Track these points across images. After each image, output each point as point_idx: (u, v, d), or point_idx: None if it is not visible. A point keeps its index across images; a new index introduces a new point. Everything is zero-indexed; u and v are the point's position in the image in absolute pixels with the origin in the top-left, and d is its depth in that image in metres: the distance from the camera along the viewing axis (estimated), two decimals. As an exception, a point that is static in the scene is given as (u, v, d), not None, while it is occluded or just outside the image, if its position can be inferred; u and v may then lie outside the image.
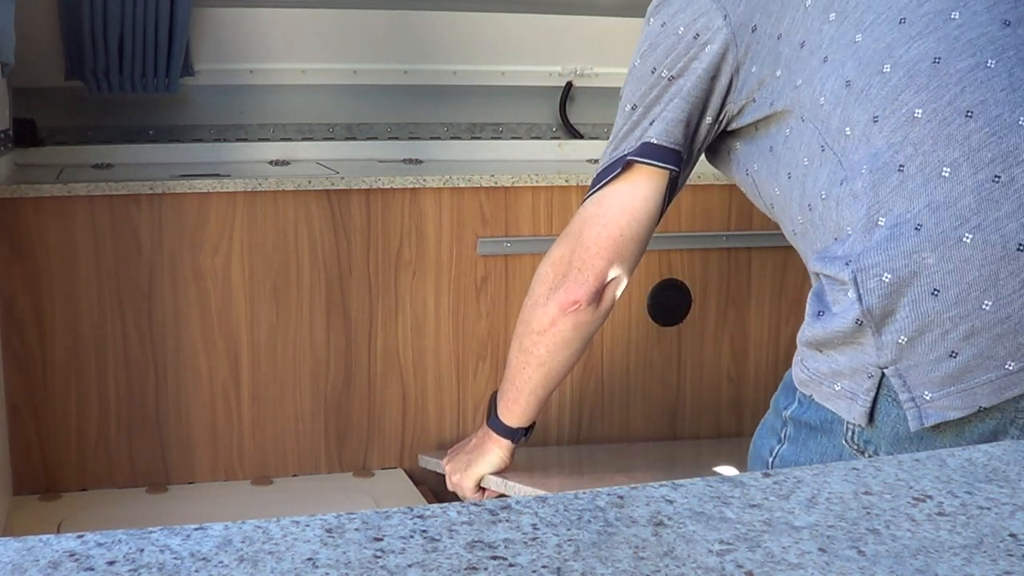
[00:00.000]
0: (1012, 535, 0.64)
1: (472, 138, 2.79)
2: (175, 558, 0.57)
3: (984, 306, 1.07)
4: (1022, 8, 1.15)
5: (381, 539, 0.60)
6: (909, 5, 1.17)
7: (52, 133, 2.48)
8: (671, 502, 0.67)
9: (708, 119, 1.36)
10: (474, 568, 0.57)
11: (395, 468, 2.26)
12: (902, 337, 1.10)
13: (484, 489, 1.75)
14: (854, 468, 0.74)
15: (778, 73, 1.27)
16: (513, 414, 1.67)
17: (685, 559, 0.59)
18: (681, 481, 0.70)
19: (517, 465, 1.77)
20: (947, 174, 1.09)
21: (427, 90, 2.76)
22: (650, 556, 0.59)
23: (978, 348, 1.08)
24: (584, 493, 0.68)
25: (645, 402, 2.38)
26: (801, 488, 0.70)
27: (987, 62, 1.11)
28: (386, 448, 2.26)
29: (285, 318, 2.15)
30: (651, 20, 1.40)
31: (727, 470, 2.09)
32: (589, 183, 1.46)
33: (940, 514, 0.66)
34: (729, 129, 1.38)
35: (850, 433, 1.17)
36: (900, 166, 1.11)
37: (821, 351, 1.18)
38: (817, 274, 1.20)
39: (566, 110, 2.86)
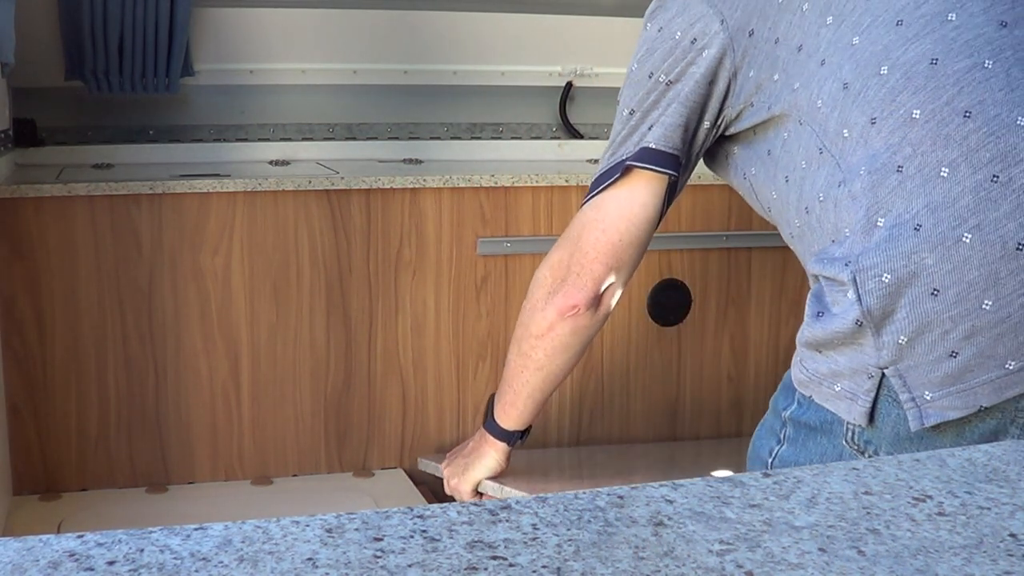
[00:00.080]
0: (1012, 535, 0.64)
1: (472, 138, 2.79)
2: (175, 558, 0.57)
3: (984, 306, 1.07)
4: (1019, 9, 1.16)
5: (381, 539, 0.60)
6: (906, 7, 1.17)
7: (52, 133, 2.48)
8: (671, 502, 0.67)
9: (706, 124, 1.37)
10: (474, 568, 0.57)
11: (395, 468, 2.26)
12: (902, 337, 1.10)
13: (482, 494, 1.75)
14: (854, 468, 0.74)
15: (776, 77, 1.27)
16: (510, 417, 1.67)
17: (685, 559, 0.59)
18: (681, 481, 0.70)
19: (516, 468, 1.77)
20: (946, 174, 1.09)
21: (427, 90, 2.76)
22: (650, 556, 0.59)
23: (978, 348, 1.08)
24: (584, 493, 0.68)
25: (645, 402, 2.38)
26: (801, 488, 0.70)
27: (984, 63, 1.12)
28: (386, 448, 2.26)
29: (285, 318, 2.15)
30: (648, 25, 1.40)
31: (724, 475, 2.09)
32: (589, 184, 1.46)
33: (940, 514, 0.66)
34: (727, 134, 1.38)
35: (850, 433, 1.17)
36: (898, 167, 1.11)
37: (821, 352, 1.18)
38: (816, 276, 1.20)
39: (566, 110, 2.86)
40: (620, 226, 1.43)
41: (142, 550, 0.58)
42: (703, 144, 1.40)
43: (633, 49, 1.42)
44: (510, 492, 1.72)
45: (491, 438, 1.71)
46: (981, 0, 1.16)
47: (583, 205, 1.47)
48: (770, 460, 1.27)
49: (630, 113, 1.40)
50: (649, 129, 1.38)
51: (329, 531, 0.61)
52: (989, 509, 0.67)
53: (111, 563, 0.57)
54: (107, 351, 2.06)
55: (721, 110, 1.35)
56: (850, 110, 1.16)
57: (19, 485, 2.05)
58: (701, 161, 1.46)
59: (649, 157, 1.38)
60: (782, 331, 2.41)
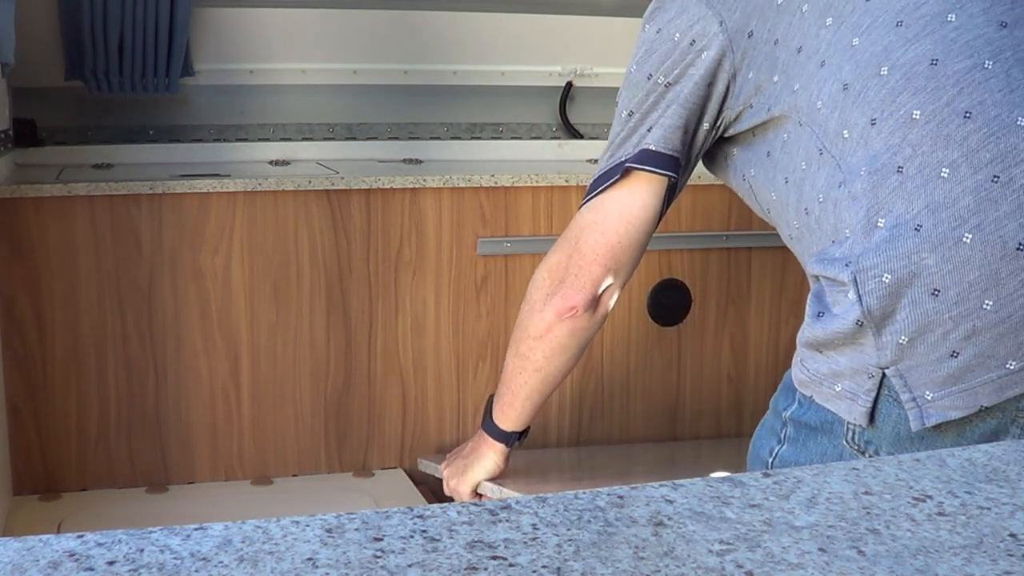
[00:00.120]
0: (1012, 535, 0.64)
1: (472, 138, 2.79)
2: (175, 558, 0.57)
3: (985, 306, 1.07)
4: (1018, 10, 1.16)
5: (381, 539, 0.60)
6: (906, 8, 1.17)
7: (52, 133, 2.48)
8: (671, 502, 0.67)
9: (705, 125, 1.37)
10: (474, 568, 0.57)
11: (395, 468, 2.26)
12: (903, 337, 1.10)
13: (481, 496, 1.75)
14: (854, 468, 0.74)
15: (775, 78, 1.27)
16: (508, 418, 1.67)
17: (685, 559, 0.59)
18: (681, 481, 0.70)
19: (516, 469, 1.77)
20: (946, 175, 1.09)
21: (427, 90, 2.76)
22: (650, 556, 0.59)
23: (979, 348, 1.08)
24: (584, 493, 0.68)
25: (645, 402, 2.38)
26: (801, 488, 0.70)
27: (984, 63, 1.12)
28: (386, 448, 2.26)
29: (285, 318, 2.15)
30: (646, 27, 1.40)
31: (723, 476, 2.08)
32: (588, 184, 1.46)
33: (940, 514, 0.66)
34: (726, 135, 1.38)
35: (851, 434, 1.17)
36: (899, 167, 1.11)
37: (821, 352, 1.18)
38: (816, 276, 1.20)
39: (566, 110, 2.86)
40: (619, 228, 1.43)
41: (142, 550, 0.58)
42: (702, 145, 1.40)
43: (633, 49, 1.42)
44: (509, 494, 1.72)
45: (489, 439, 1.71)
46: (981, 1, 1.16)
47: (581, 207, 1.47)
48: (770, 460, 1.27)
49: (629, 114, 1.40)
50: (648, 131, 1.38)
51: (329, 531, 0.61)
52: (989, 509, 0.67)
53: (111, 563, 0.57)
54: (107, 351, 2.06)
55: (720, 111, 1.35)
56: (850, 111, 1.16)
57: (19, 485, 2.05)
58: (701, 162, 1.46)
59: (648, 159, 1.38)
60: (782, 331, 2.41)
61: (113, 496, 2.07)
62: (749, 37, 1.29)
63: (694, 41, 1.33)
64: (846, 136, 1.16)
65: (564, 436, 2.34)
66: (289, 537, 0.60)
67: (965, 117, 1.10)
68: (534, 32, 2.78)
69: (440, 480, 1.86)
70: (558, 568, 0.57)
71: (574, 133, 2.85)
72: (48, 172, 2.20)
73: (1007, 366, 1.08)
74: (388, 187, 2.17)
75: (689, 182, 1.47)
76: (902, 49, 1.15)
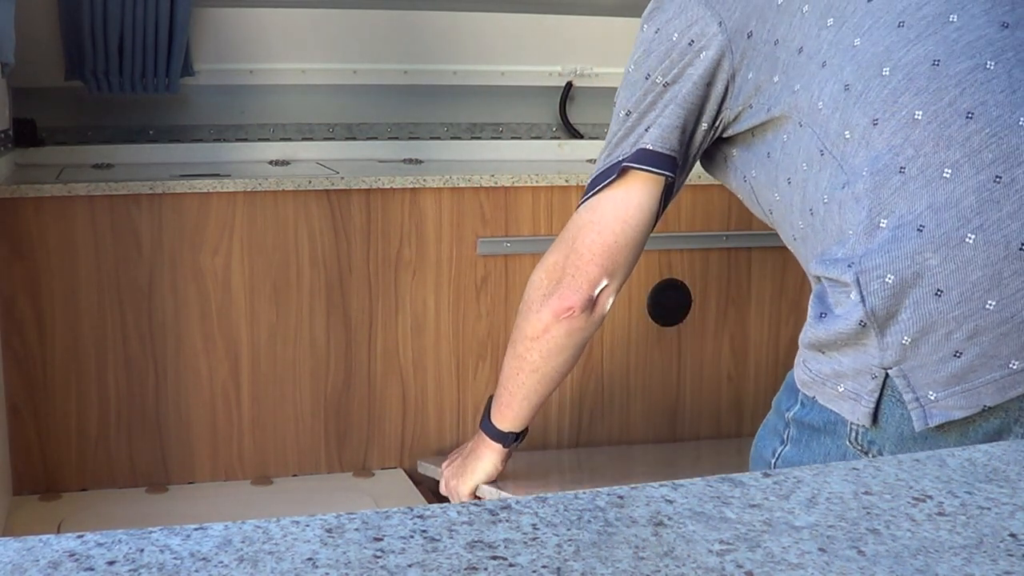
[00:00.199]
0: (1012, 535, 0.64)
1: (472, 138, 2.79)
2: (175, 558, 0.57)
3: (988, 306, 1.07)
4: (1020, 11, 1.16)
5: (381, 539, 0.60)
6: (907, 9, 1.17)
7: (52, 133, 2.48)
8: (671, 502, 0.67)
9: (704, 125, 1.36)
10: (474, 568, 0.57)
11: (395, 468, 2.26)
12: (906, 338, 1.10)
13: (479, 499, 1.75)
14: (854, 468, 0.74)
15: (775, 79, 1.27)
16: (506, 418, 1.67)
17: (685, 559, 0.59)
18: (681, 481, 0.70)
19: (515, 471, 1.77)
20: (948, 175, 1.09)
21: (427, 90, 2.76)
22: (650, 556, 0.59)
23: (982, 348, 1.08)
24: (584, 493, 0.68)
25: (645, 402, 2.38)
26: (801, 488, 0.70)
27: (986, 64, 1.12)
28: (386, 448, 2.26)
29: (285, 318, 2.15)
30: (645, 27, 1.40)
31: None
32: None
33: (940, 514, 0.66)
34: (725, 136, 1.38)
35: (854, 434, 1.17)
36: (901, 168, 1.11)
37: (824, 352, 1.18)
38: (818, 277, 1.20)
39: (566, 110, 2.86)
40: (616, 228, 1.43)
41: (142, 550, 0.58)
42: (700, 145, 1.39)
43: (632, 49, 1.42)
44: (507, 497, 1.72)
45: (487, 439, 1.71)
46: (982, 2, 1.16)
47: (579, 207, 1.47)
48: (773, 460, 1.27)
49: (627, 114, 1.40)
50: (646, 130, 1.37)
51: (329, 531, 0.61)
52: (989, 509, 0.67)
53: (111, 563, 0.57)
54: (107, 351, 2.06)
55: (719, 112, 1.35)
56: (852, 111, 1.16)
57: (19, 485, 2.05)
58: (699, 163, 1.46)
59: (646, 158, 1.38)
60: (782, 331, 2.41)
61: (113, 496, 2.07)
62: (748, 37, 1.29)
63: (693, 41, 1.33)
64: (847, 137, 1.16)
65: (564, 436, 2.34)
66: (289, 537, 0.60)
67: (967, 118, 1.10)
68: (534, 32, 2.78)
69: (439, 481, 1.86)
70: (558, 568, 0.57)
71: (574, 133, 2.85)
72: (48, 172, 2.20)
73: (1010, 366, 1.09)
74: (388, 187, 2.17)
75: (689, 182, 1.47)
76: (904, 50, 1.15)
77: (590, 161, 2.49)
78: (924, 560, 0.60)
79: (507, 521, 0.63)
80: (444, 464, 1.84)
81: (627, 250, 1.44)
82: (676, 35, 1.34)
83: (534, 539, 0.61)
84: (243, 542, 0.59)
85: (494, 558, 0.58)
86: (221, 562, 0.57)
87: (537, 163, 2.58)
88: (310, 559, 0.57)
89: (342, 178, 2.17)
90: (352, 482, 2.20)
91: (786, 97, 1.25)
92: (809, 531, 0.63)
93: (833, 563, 0.59)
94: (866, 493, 0.69)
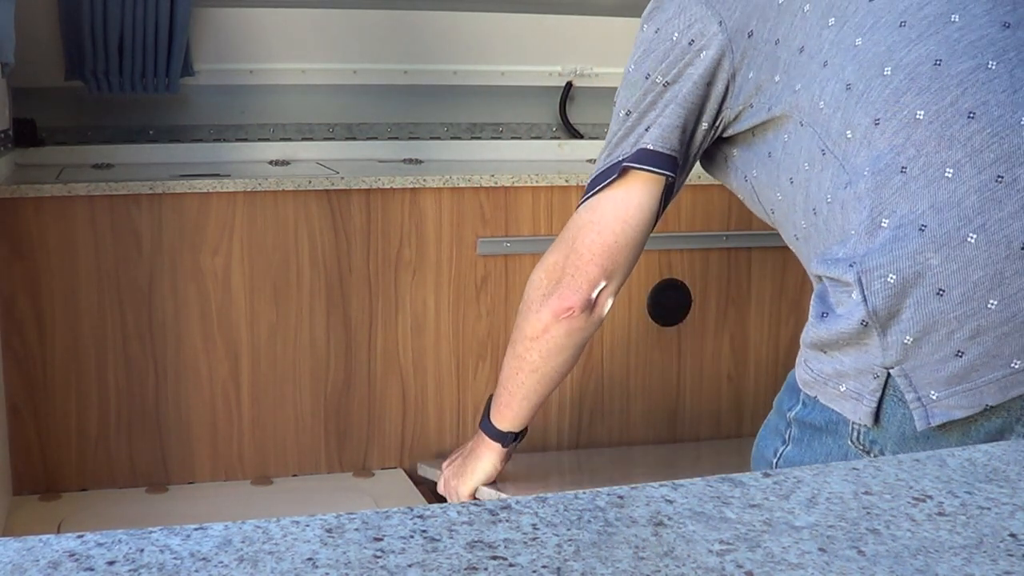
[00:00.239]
0: (1012, 535, 0.64)
1: (472, 138, 2.79)
2: (175, 558, 0.57)
3: (989, 305, 1.07)
4: (1021, 10, 1.16)
5: (381, 539, 0.60)
6: (909, 9, 1.17)
7: (52, 133, 2.48)
8: (671, 502, 0.67)
9: (704, 125, 1.36)
10: (474, 568, 0.57)
11: (395, 468, 2.26)
12: (908, 337, 1.10)
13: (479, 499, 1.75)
14: (854, 468, 0.74)
15: (777, 78, 1.27)
16: (505, 418, 1.67)
17: (685, 559, 0.59)
18: (681, 481, 0.70)
19: (515, 473, 1.77)
20: (950, 175, 1.09)
21: (427, 90, 2.76)
22: (650, 556, 0.59)
23: (984, 347, 1.08)
24: (584, 493, 0.68)
25: (645, 402, 2.38)
26: (801, 488, 0.70)
27: (988, 64, 1.12)
28: (386, 448, 2.26)
29: (285, 318, 2.15)
30: (644, 26, 1.40)
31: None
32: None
33: (940, 514, 0.66)
34: (725, 135, 1.38)
35: (856, 433, 1.17)
36: (902, 168, 1.11)
37: (825, 352, 1.18)
38: (819, 276, 1.20)
39: (566, 110, 2.86)
40: (616, 228, 1.43)
41: (142, 550, 0.58)
42: (701, 145, 1.39)
43: (631, 49, 1.42)
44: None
45: (487, 439, 1.71)
46: (984, 2, 1.16)
47: (578, 207, 1.47)
48: (775, 460, 1.26)
49: (627, 114, 1.40)
50: (646, 130, 1.37)
51: (329, 531, 0.61)
52: (989, 509, 0.67)
53: (111, 563, 0.57)
54: (107, 351, 2.06)
55: (719, 111, 1.35)
56: (853, 111, 1.16)
57: (19, 485, 2.05)
58: (699, 163, 1.46)
59: (646, 158, 1.38)
60: (782, 331, 2.41)
61: (113, 496, 2.07)
62: (749, 37, 1.29)
63: (693, 41, 1.33)
64: (849, 136, 1.16)
65: (564, 436, 2.34)
66: (289, 537, 0.60)
67: (969, 117, 1.10)
68: (534, 32, 2.78)
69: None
70: (558, 568, 0.57)
71: (574, 133, 2.85)
72: (48, 172, 2.20)
73: (1012, 365, 1.09)
74: (388, 187, 2.17)
75: (689, 182, 1.47)
76: (906, 49, 1.15)
77: (590, 161, 2.49)
78: (924, 560, 0.60)
79: (507, 521, 0.63)
80: (445, 463, 1.84)
81: (627, 250, 1.44)
82: (676, 35, 1.34)
83: (534, 539, 0.61)
84: (243, 542, 0.59)
85: (494, 558, 0.58)
86: (221, 562, 0.57)
87: (537, 163, 2.58)
88: (310, 559, 0.57)
89: (342, 178, 2.17)
90: (352, 482, 2.20)
91: (787, 97, 1.25)
92: (809, 531, 0.63)
93: (833, 563, 0.59)
94: (866, 493, 0.69)
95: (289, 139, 2.65)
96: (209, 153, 2.54)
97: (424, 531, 0.61)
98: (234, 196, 2.09)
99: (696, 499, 0.68)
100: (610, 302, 1.50)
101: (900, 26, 1.17)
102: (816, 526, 0.64)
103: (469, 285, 2.24)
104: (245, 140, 2.62)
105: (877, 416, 1.14)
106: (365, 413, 2.23)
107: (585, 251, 1.44)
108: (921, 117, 1.11)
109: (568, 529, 0.62)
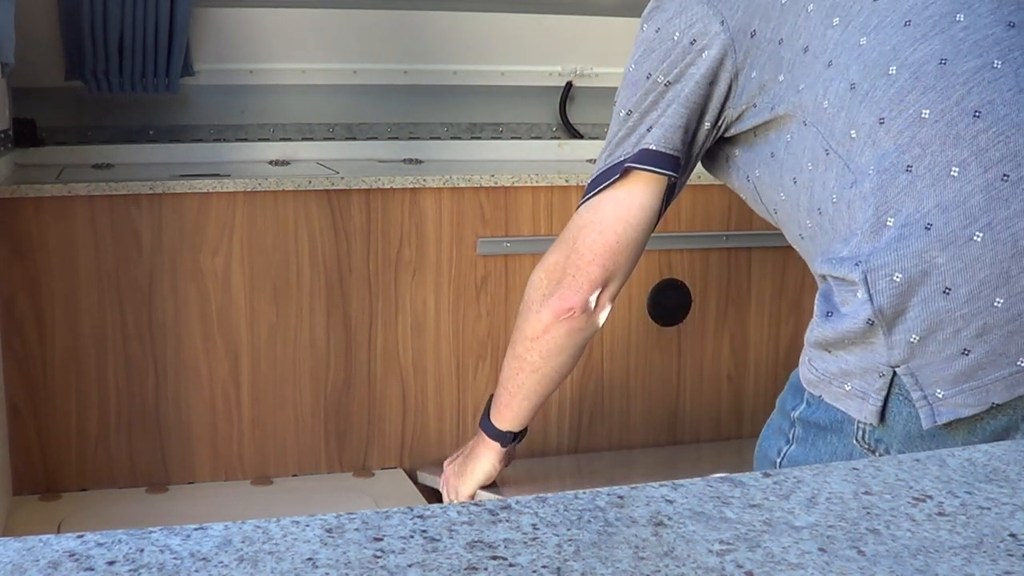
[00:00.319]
0: (1012, 535, 0.63)
1: (472, 138, 2.79)
2: (175, 558, 0.57)
3: (996, 303, 1.07)
4: None
5: (381, 539, 0.60)
6: (914, 8, 1.17)
7: (52, 133, 2.48)
8: (671, 502, 0.67)
9: (706, 124, 1.36)
10: (474, 568, 0.57)
11: (395, 468, 2.26)
12: (914, 336, 1.10)
13: None
14: (854, 468, 0.74)
15: (780, 78, 1.26)
16: (505, 418, 1.67)
17: (685, 559, 0.59)
18: (681, 481, 0.70)
19: (516, 477, 1.77)
20: (956, 174, 1.09)
21: (427, 90, 2.76)
22: (650, 556, 0.59)
23: (990, 345, 1.09)
24: (584, 493, 0.68)
25: (645, 402, 2.38)
26: (801, 488, 0.70)
27: (993, 63, 1.12)
28: (386, 448, 2.26)
29: (285, 318, 2.15)
30: (645, 26, 1.40)
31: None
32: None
33: (940, 514, 0.66)
34: (727, 135, 1.38)
35: (861, 432, 1.17)
36: (908, 166, 1.11)
37: (830, 351, 1.18)
38: (824, 276, 1.20)
39: (566, 110, 2.86)
40: (617, 228, 1.42)
41: (142, 550, 0.58)
42: (703, 145, 1.39)
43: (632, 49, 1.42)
44: None
45: (486, 438, 1.71)
46: (989, 1, 1.16)
47: (579, 207, 1.46)
48: (779, 460, 1.26)
49: (627, 114, 1.39)
50: (648, 130, 1.37)
51: (329, 531, 0.61)
52: (989, 509, 0.67)
53: (111, 563, 0.57)
54: (107, 351, 2.06)
55: (722, 111, 1.35)
56: (858, 110, 1.16)
57: (19, 485, 2.05)
58: (700, 163, 1.46)
59: (648, 158, 1.37)
60: (782, 331, 2.40)
61: (113, 496, 2.07)
62: (752, 36, 1.29)
63: (694, 40, 1.32)
64: (853, 136, 1.16)
65: (564, 437, 2.34)
66: (289, 537, 0.60)
67: (974, 116, 1.10)
68: (534, 32, 2.78)
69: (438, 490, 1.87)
70: (558, 568, 0.57)
71: (574, 133, 2.85)
72: (48, 172, 2.20)
73: (1018, 363, 1.09)
74: (388, 187, 2.17)
75: (689, 182, 1.47)
76: (910, 48, 1.15)
77: (590, 161, 2.49)
78: (924, 560, 0.60)
79: (507, 521, 0.63)
80: (446, 462, 1.84)
81: (628, 250, 1.44)
82: (677, 34, 1.34)
83: (534, 539, 0.61)
84: (243, 542, 0.59)
85: (494, 558, 0.58)
86: (221, 562, 0.57)
87: (537, 163, 2.58)
88: (310, 559, 0.57)
89: (342, 178, 2.17)
90: (352, 482, 2.20)
91: (791, 96, 1.25)
92: (809, 531, 0.63)
93: (833, 563, 0.59)
94: (866, 493, 0.69)
95: (289, 139, 2.65)
96: (209, 153, 2.54)
97: (424, 531, 0.61)
98: (234, 196, 2.09)
99: (696, 499, 0.68)
100: (611, 302, 1.50)
101: (905, 25, 1.17)
102: (816, 526, 0.64)
103: (469, 285, 2.24)
104: (245, 140, 2.62)
105: (883, 415, 1.14)
106: (365, 413, 2.23)
107: (586, 251, 1.44)
108: (926, 116, 1.11)
109: (568, 529, 0.62)
